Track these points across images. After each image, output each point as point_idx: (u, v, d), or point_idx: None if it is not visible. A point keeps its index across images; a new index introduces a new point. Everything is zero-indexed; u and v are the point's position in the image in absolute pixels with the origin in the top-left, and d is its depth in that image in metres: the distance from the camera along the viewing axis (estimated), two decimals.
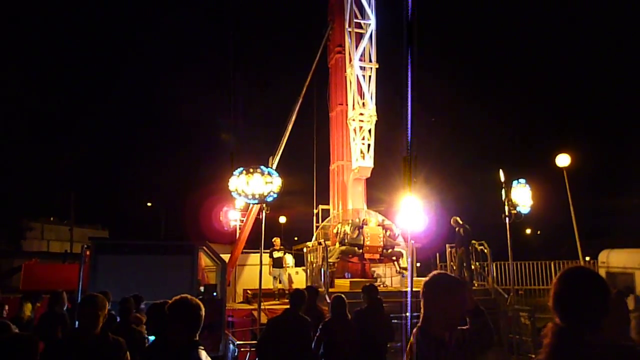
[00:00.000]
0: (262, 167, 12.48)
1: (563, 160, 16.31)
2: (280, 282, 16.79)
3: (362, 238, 14.97)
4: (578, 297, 2.30)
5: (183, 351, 3.34)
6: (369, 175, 16.79)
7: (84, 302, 4.30)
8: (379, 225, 15.60)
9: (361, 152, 16.47)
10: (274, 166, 16.34)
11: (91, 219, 44.61)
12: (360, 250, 14.99)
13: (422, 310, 2.95)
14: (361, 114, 16.38)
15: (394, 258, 15.44)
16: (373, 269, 16.44)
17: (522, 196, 13.35)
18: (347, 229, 15.35)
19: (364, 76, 16.43)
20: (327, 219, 17.51)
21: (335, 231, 16.34)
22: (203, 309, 3.45)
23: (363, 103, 16.45)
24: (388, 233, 15.44)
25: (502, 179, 13.59)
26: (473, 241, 14.55)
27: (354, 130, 16.56)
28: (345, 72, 17.06)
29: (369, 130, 16.52)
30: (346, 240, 15.15)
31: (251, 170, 12.29)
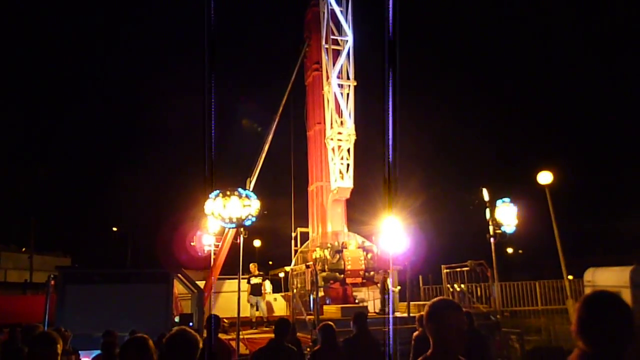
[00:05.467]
0: (239, 189, 11.97)
1: (545, 177, 16.22)
2: (257, 310, 16.12)
3: (342, 262, 14.43)
4: (602, 322, 2.29)
5: None
6: (348, 196, 16.36)
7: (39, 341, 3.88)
8: (359, 247, 15.09)
9: (340, 172, 16.06)
10: (251, 188, 15.82)
11: (52, 245, 42.80)
12: (342, 275, 14.43)
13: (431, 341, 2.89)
14: (339, 133, 15.99)
15: (377, 281, 14.95)
16: (355, 293, 15.90)
17: (506, 215, 13.10)
18: (327, 253, 14.82)
19: (342, 94, 16.08)
20: (305, 244, 17.00)
21: (314, 256, 15.80)
22: (200, 343, 3.34)
23: (341, 122, 16.06)
24: (369, 255, 14.94)
25: (486, 198, 13.36)
26: (469, 261, 14.16)
27: (332, 149, 16.14)
28: (323, 90, 16.71)
29: (348, 150, 16.13)
30: (326, 266, 14.59)
31: (228, 192, 11.73)
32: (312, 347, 9.41)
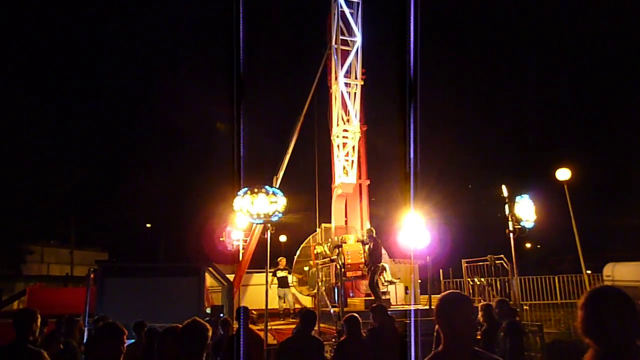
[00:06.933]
0: (266, 187, 12.50)
1: (563, 174, 16.44)
2: (284, 302, 16.74)
3: (342, 257, 14.55)
4: (607, 320, 2.22)
5: None
6: (351, 191, 16.59)
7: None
8: (358, 241, 15.25)
9: (344, 168, 16.46)
10: (277, 185, 16.40)
11: (90, 241, 44.36)
12: (343, 269, 14.81)
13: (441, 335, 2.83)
14: (345, 130, 16.42)
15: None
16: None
17: (525, 211, 13.37)
18: (326, 248, 15.22)
19: (348, 93, 16.49)
20: (307, 239, 17.47)
21: (315, 252, 16.23)
22: (210, 331, 3.70)
23: (347, 119, 16.53)
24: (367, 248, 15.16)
25: (505, 194, 13.65)
26: (489, 256, 14.42)
27: (337, 146, 16.55)
28: (331, 88, 17.11)
29: (353, 147, 16.51)
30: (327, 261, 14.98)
31: (256, 190, 12.28)
32: (337, 337, 9.84)
